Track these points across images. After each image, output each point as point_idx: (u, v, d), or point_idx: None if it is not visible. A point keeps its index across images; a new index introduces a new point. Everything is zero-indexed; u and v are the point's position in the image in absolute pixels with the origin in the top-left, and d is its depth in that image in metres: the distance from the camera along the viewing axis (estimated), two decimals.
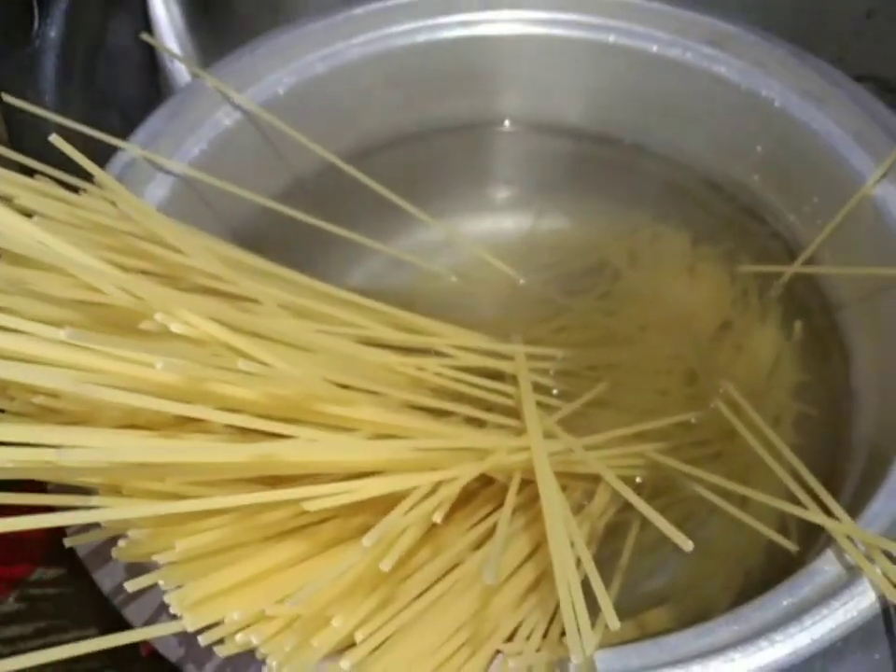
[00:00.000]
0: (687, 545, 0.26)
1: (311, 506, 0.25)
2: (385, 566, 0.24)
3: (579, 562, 0.27)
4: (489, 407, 0.39)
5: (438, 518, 0.27)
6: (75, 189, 0.35)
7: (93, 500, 0.26)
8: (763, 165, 0.46)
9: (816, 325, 0.43)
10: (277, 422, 0.26)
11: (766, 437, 0.38)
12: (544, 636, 0.27)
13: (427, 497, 0.28)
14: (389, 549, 0.24)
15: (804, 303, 0.44)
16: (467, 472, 0.30)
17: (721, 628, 0.27)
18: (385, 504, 0.27)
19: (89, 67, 0.48)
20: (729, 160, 0.47)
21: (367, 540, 0.23)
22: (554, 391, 0.42)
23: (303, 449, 0.26)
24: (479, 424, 0.38)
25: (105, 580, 0.29)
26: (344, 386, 0.31)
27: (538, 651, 0.26)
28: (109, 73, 0.50)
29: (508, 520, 0.28)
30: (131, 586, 0.25)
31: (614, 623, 0.24)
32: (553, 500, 0.29)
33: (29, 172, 0.35)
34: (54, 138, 0.33)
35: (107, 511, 0.25)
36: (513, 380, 0.40)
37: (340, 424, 0.29)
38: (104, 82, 0.50)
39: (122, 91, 0.51)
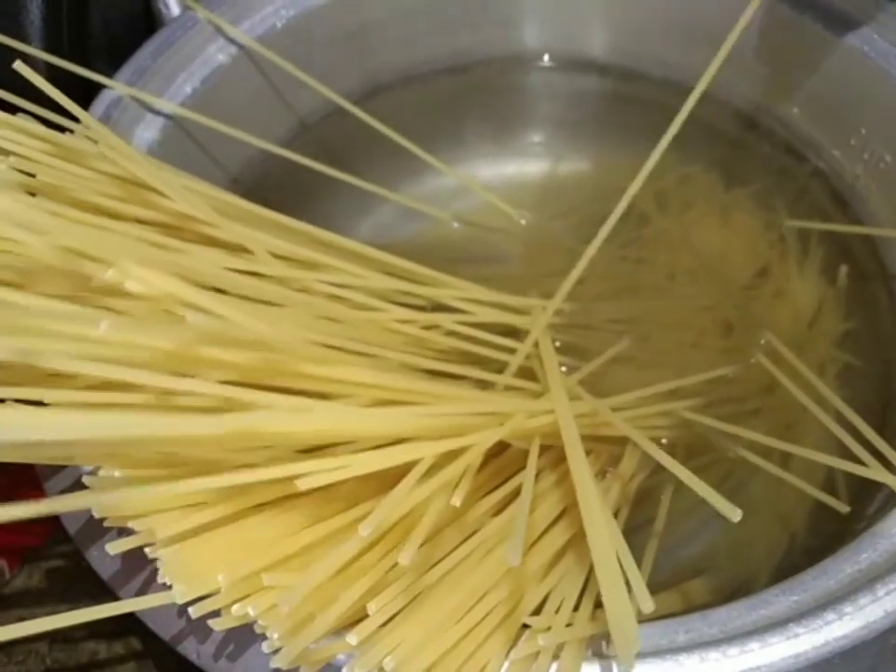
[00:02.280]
0: (734, 514, 0.23)
1: (305, 483, 0.22)
2: (405, 559, 0.21)
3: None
4: (500, 368, 0.36)
5: (457, 501, 0.24)
6: (63, 130, 0.33)
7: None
8: (804, 96, 0.42)
9: (862, 268, 0.40)
10: (259, 390, 0.24)
11: (812, 390, 0.35)
12: (575, 608, 0.24)
13: (438, 468, 0.25)
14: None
15: (848, 246, 0.41)
16: (484, 439, 0.27)
17: (778, 599, 0.24)
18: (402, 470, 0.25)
19: (76, 6, 0.45)
20: (766, 92, 0.43)
21: (363, 529, 0.21)
22: (574, 348, 0.39)
23: (288, 419, 0.23)
24: (487, 387, 0.35)
25: (102, 564, 0.26)
26: (336, 349, 0.28)
27: (568, 626, 0.23)
28: (98, 14, 0.47)
29: (531, 488, 0.25)
30: (112, 548, 0.23)
31: (647, 604, 0.21)
32: (581, 467, 0.26)
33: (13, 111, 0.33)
34: (18, 65, 0.30)
35: (98, 497, 0.23)
36: (533, 339, 0.37)
37: (334, 390, 0.26)
38: (92, 23, 0.46)
39: (112, 32, 0.48)
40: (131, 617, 0.24)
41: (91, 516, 0.25)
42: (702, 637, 0.23)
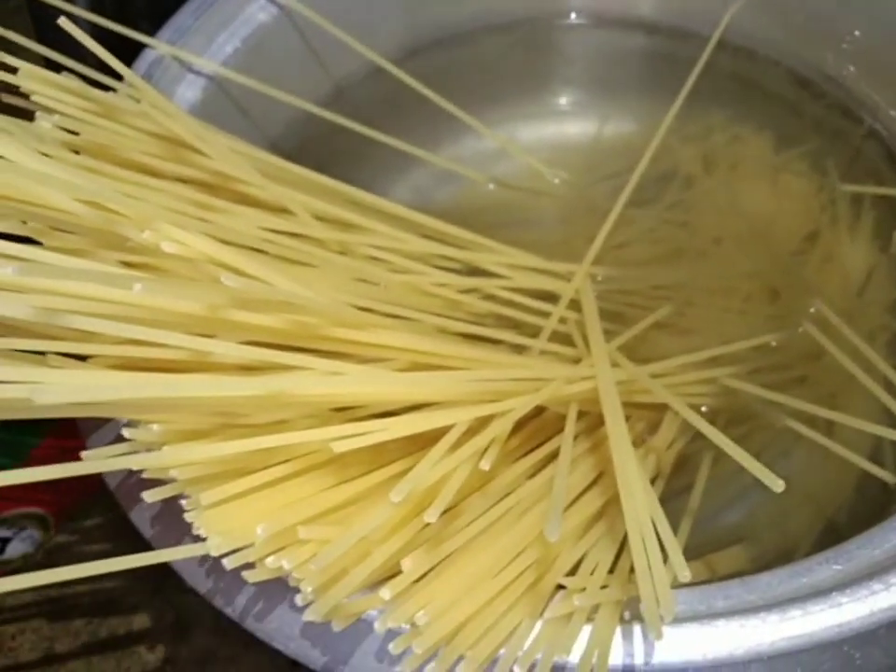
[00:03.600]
0: (777, 485, 0.22)
1: (339, 447, 0.22)
2: (431, 516, 0.21)
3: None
4: (536, 333, 0.35)
5: (486, 465, 0.24)
6: (106, 89, 0.33)
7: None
8: (860, 54, 0.41)
9: None
10: (293, 352, 0.23)
11: (859, 358, 0.34)
12: (611, 570, 0.24)
13: (472, 434, 0.25)
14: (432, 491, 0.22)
15: None
16: (521, 405, 0.27)
17: (821, 567, 0.23)
18: (436, 432, 0.25)
19: None
20: (819, 50, 0.42)
21: (395, 495, 0.21)
22: (613, 314, 0.38)
23: (323, 381, 0.23)
24: (522, 351, 0.34)
25: (142, 521, 0.27)
26: (372, 311, 0.28)
27: (603, 587, 0.23)
28: None
29: (570, 453, 0.25)
30: (149, 496, 0.23)
31: (684, 572, 0.21)
32: (620, 435, 0.25)
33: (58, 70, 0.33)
34: (63, 21, 0.30)
35: (136, 458, 0.23)
36: (565, 302, 0.36)
37: (369, 354, 0.26)
38: None
39: None
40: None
41: (133, 474, 0.25)
42: (742, 604, 0.23)
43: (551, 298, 0.37)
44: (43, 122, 0.30)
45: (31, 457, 0.42)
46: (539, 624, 0.22)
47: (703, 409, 0.35)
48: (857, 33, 0.40)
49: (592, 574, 0.23)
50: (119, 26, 0.36)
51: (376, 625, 0.21)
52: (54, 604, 0.42)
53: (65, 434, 0.40)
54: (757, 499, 0.34)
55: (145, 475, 0.24)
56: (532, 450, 0.29)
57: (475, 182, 0.43)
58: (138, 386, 0.21)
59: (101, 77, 0.33)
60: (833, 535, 0.33)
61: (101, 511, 0.44)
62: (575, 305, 0.37)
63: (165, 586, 0.42)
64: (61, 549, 0.43)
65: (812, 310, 0.37)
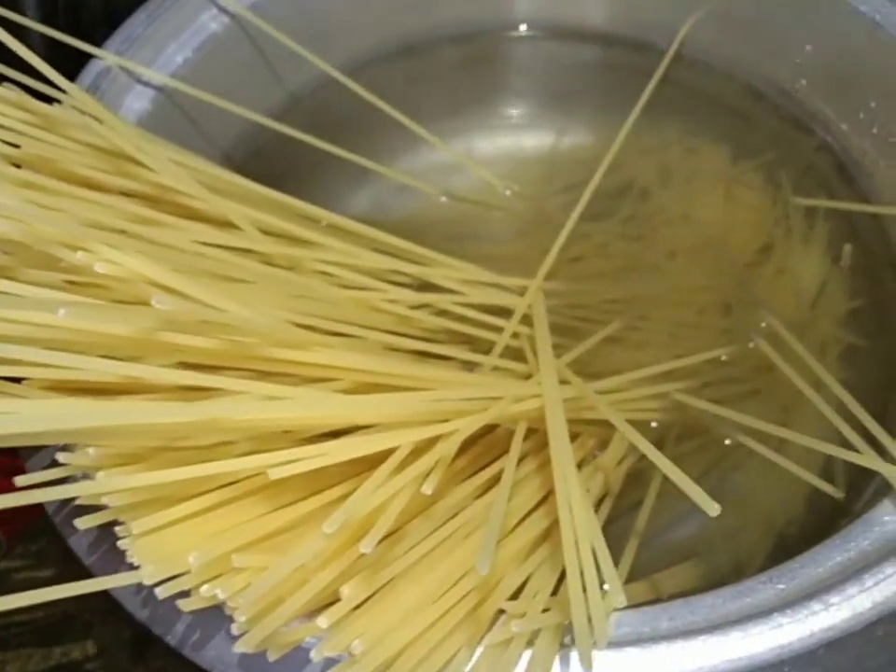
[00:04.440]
0: (713, 509, 0.22)
1: (276, 473, 0.21)
2: (366, 547, 0.20)
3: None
4: (489, 349, 0.35)
5: (429, 489, 0.23)
6: (52, 100, 0.32)
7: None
8: (813, 68, 0.41)
9: (867, 247, 0.39)
10: (232, 374, 0.23)
11: (810, 371, 0.34)
12: (553, 593, 0.24)
13: (417, 454, 0.24)
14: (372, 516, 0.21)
15: (854, 223, 0.39)
16: (467, 425, 0.26)
17: (764, 587, 0.23)
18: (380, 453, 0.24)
19: None
20: (773, 63, 0.42)
21: (328, 527, 0.20)
22: (566, 329, 0.38)
23: (260, 407, 0.23)
24: (474, 367, 0.34)
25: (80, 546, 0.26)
26: (314, 330, 0.28)
27: (545, 611, 0.23)
28: None
29: (512, 472, 0.25)
30: (82, 523, 0.23)
31: (619, 598, 0.21)
32: (562, 456, 0.25)
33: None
34: None
35: (80, 487, 0.22)
36: (518, 317, 0.36)
37: (312, 374, 0.26)
38: None
39: (110, 1, 0.47)
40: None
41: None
42: (685, 626, 0.22)
43: (504, 313, 0.37)
44: None
45: None
46: (478, 651, 0.22)
47: (653, 424, 0.35)
48: (808, 47, 0.40)
49: (534, 597, 0.23)
50: (67, 36, 0.35)
51: (313, 654, 0.21)
52: (4, 624, 0.41)
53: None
54: (706, 517, 0.34)
55: (80, 501, 0.24)
56: (480, 469, 0.29)
57: (432, 195, 0.43)
58: (70, 416, 0.21)
59: (47, 88, 0.32)
60: (785, 551, 0.33)
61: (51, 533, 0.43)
62: (528, 320, 0.36)
63: (119, 605, 0.41)
64: (9, 572, 0.42)
65: (763, 324, 0.37)
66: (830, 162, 0.41)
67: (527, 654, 0.22)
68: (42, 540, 0.43)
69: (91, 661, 0.41)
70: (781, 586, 0.23)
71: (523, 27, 0.46)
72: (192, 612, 0.23)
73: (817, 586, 0.23)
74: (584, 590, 0.21)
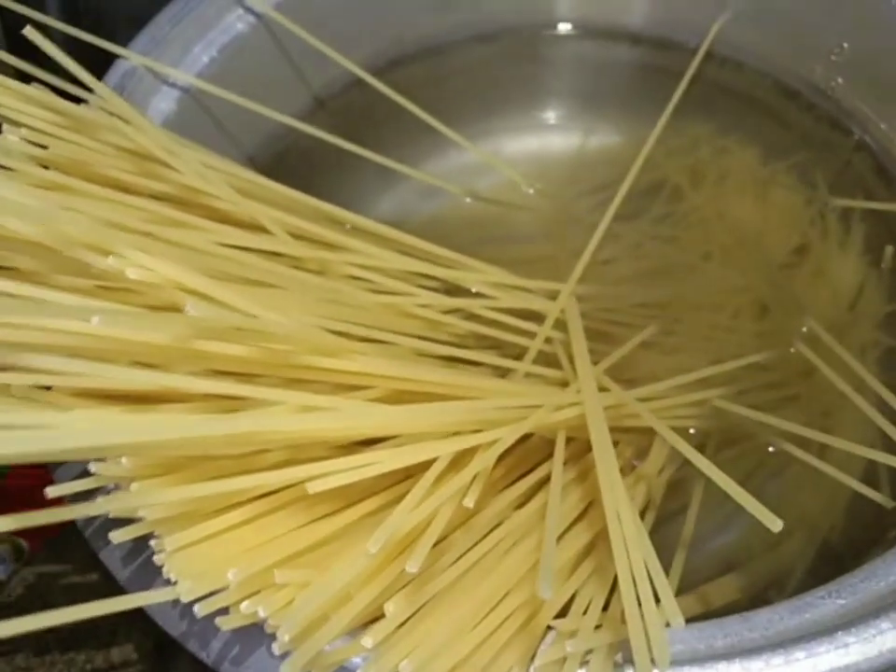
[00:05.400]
0: (774, 525, 0.22)
1: (315, 486, 0.21)
2: (413, 566, 0.20)
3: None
4: (518, 354, 0.34)
5: (470, 503, 0.23)
6: (79, 100, 0.31)
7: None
8: (848, 65, 0.40)
9: None
10: (263, 382, 0.22)
11: (851, 376, 0.33)
12: (604, 608, 0.23)
13: (454, 465, 0.24)
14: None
15: (893, 225, 0.39)
16: (507, 435, 0.25)
17: (824, 602, 0.22)
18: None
19: None
20: (807, 61, 0.41)
21: (372, 546, 0.19)
22: (599, 334, 0.37)
23: (294, 418, 0.22)
24: (505, 373, 0.33)
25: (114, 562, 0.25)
26: (348, 336, 0.27)
27: (597, 628, 0.22)
28: None
29: (560, 482, 0.24)
30: (116, 537, 0.22)
31: (677, 619, 0.20)
32: (608, 467, 0.24)
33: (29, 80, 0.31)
34: (28, 31, 0.29)
35: (113, 501, 0.22)
36: (551, 322, 0.35)
37: (345, 381, 0.25)
38: None
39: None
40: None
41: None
42: (742, 643, 0.22)
43: (532, 317, 0.36)
44: (10, 136, 0.29)
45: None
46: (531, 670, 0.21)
47: (691, 431, 0.34)
48: (845, 45, 0.39)
49: (584, 614, 0.22)
50: (92, 36, 0.35)
51: None
52: (29, 633, 0.41)
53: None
54: (746, 524, 0.33)
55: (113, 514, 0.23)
56: (517, 479, 0.28)
57: (459, 197, 0.42)
58: (108, 432, 0.20)
59: (73, 89, 0.32)
60: (827, 561, 0.32)
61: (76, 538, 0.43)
62: (559, 325, 0.36)
63: (145, 613, 0.41)
64: (40, 577, 0.42)
65: (804, 329, 0.36)
66: (868, 162, 0.40)
67: None
68: (67, 545, 0.43)
69: (115, 669, 0.40)
70: (842, 601, 0.22)
71: (559, 27, 0.45)
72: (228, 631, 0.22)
73: (879, 602, 0.22)
74: (639, 605, 0.20)
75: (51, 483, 0.24)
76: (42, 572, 0.42)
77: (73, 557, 0.42)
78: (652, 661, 0.19)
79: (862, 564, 0.25)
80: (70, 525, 0.41)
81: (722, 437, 0.34)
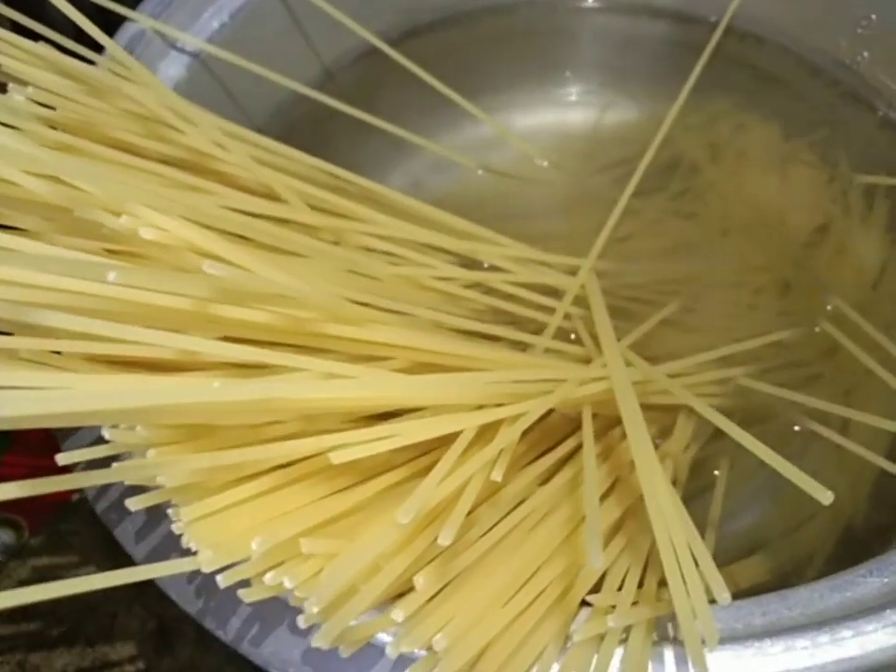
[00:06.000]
0: (825, 497, 0.21)
1: (339, 457, 0.20)
2: (445, 538, 0.19)
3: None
4: (536, 329, 0.34)
5: (498, 476, 0.22)
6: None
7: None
8: (875, 39, 0.39)
9: None
10: (286, 351, 0.21)
11: (876, 352, 0.32)
12: (639, 585, 0.22)
13: (479, 438, 0.23)
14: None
15: None
16: (534, 409, 0.25)
17: (864, 580, 0.22)
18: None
19: None
20: (831, 35, 0.40)
21: (403, 516, 0.19)
22: (619, 310, 0.36)
23: (317, 386, 0.21)
24: (524, 348, 0.33)
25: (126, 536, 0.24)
26: (368, 306, 0.26)
27: (634, 604, 0.21)
28: None
29: (593, 454, 0.23)
30: (133, 504, 0.21)
31: (724, 593, 0.19)
32: (641, 440, 0.23)
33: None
34: None
35: (124, 471, 0.21)
36: (570, 298, 0.34)
37: (366, 352, 0.24)
38: None
39: None
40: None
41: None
42: (782, 621, 0.21)
43: (550, 293, 0.35)
44: (16, 95, 0.28)
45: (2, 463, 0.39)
46: (567, 647, 0.20)
47: (714, 410, 0.33)
48: (873, 16, 0.38)
49: (619, 590, 0.21)
50: None
51: (388, 650, 0.19)
52: (28, 613, 0.40)
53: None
54: (768, 505, 0.33)
55: (126, 482, 0.22)
56: (540, 455, 0.28)
57: (472, 172, 0.41)
58: (128, 394, 0.19)
59: (77, 48, 0.31)
60: (853, 539, 0.31)
61: (80, 513, 0.42)
62: (578, 301, 0.35)
63: (147, 593, 0.40)
64: (36, 554, 0.41)
65: (829, 307, 0.35)
66: (893, 139, 0.39)
67: (619, 652, 0.20)
68: (68, 522, 0.42)
69: (117, 652, 0.40)
70: (885, 579, 0.22)
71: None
72: (250, 605, 0.21)
73: None
74: (683, 581, 0.19)
75: (45, 471, 0.22)
76: (39, 565, 0.41)
77: (70, 550, 0.41)
78: (702, 639, 0.19)
79: (888, 547, 0.24)
80: (65, 518, 0.41)
81: (746, 415, 0.33)
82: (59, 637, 0.40)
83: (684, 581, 0.19)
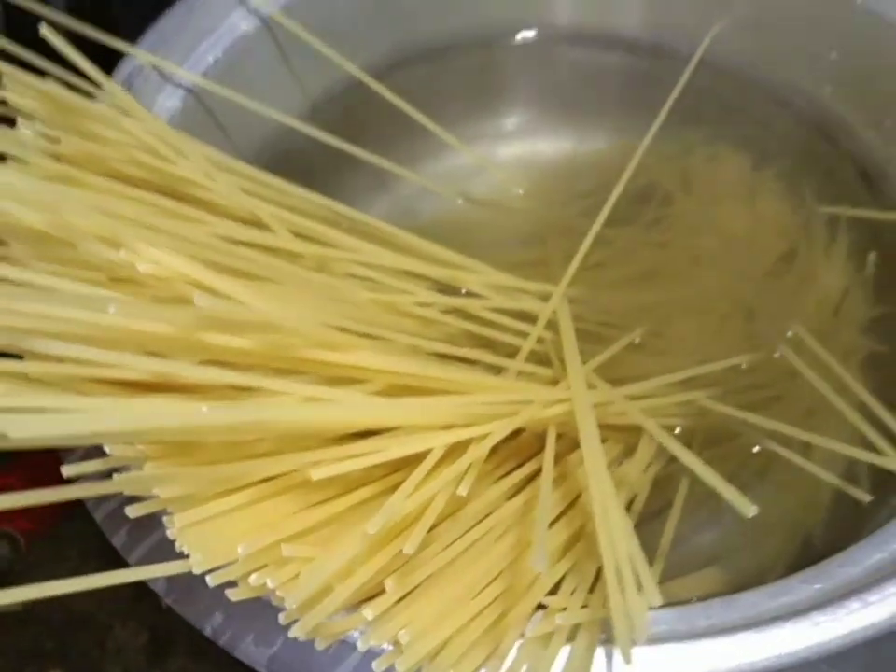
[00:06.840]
0: (749, 510, 0.23)
1: (318, 474, 0.22)
2: (409, 548, 0.21)
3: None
4: (511, 353, 0.35)
5: (464, 491, 0.24)
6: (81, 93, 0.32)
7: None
8: (837, 74, 0.41)
9: (891, 254, 0.39)
10: (270, 376, 0.23)
11: (834, 379, 0.34)
12: (590, 590, 0.24)
13: (448, 456, 0.25)
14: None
15: (878, 231, 0.40)
16: (499, 429, 0.27)
17: (802, 586, 0.24)
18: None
19: None
20: (797, 70, 0.42)
21: (371, 527, 0.21)
22: (589, 335, 0.38)
23: (299, 409, 0.23)
24: (498, 372, 0.34)
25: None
26: (347, 331, 0.28)
27: (583, 607, 0.23)
28: None
29: (551, 469, 0.25)
30: (132, 512, 0.23)
31: (655, 599, 0.21)
32: (595, 460, 0.25)
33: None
34: (45, 30, 0.29)
35: (121, 483, 0.22)
36: (543, 322, 0.36)
37: (344, 375, 0.26)
38: None
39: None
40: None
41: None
42: (723, 623, 0.23)
43: (524, 318, 0.37)
44: (25, 129, 0.30)
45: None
46: (519, 643, 0.22)
47: (677, 430, 0.35)
48: (833, 55, 0.40)
49: (572, 594, 0.23)
50: (98, 32, 0.35)
51: (359, 644, 0.21)
52: (23, 624, 0.41)
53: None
54: (731, 520, 0.34)
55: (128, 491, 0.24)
56: (508, 472, 0.29)
57: (453, 200, 0.43)
58: (132, 418, 0.21)
59: (77, 81, 0.32)
60: (809, 555, 0.33)
61: (76, 526, 0.43)
62: (551, 325, 0.36)
63: (139, 605, 0.41)
64: (33, 567, 0.42)
65: (789, 333, 0.37)
66: (854, 170, 0.41)
67: (566, 649, 0.22)
68: (65, 535, 0.43)
69: (110, 662, 0.41)
70: (819, 586, 0.23)
71: (549, 32, 0.46)
72: (232, 604, 0.23)
73: (853, 585, 0.23)
74: (622, 587, 0.21)
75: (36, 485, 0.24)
76: (37, 572, 0.42)
77: (67, 556, 0.43)
78: (632, 639, 0.20)
79: None
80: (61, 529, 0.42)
81: (707, 436, 0.35)
82: (52, 650, 0.41)
83: (622, 588, 0.21)
